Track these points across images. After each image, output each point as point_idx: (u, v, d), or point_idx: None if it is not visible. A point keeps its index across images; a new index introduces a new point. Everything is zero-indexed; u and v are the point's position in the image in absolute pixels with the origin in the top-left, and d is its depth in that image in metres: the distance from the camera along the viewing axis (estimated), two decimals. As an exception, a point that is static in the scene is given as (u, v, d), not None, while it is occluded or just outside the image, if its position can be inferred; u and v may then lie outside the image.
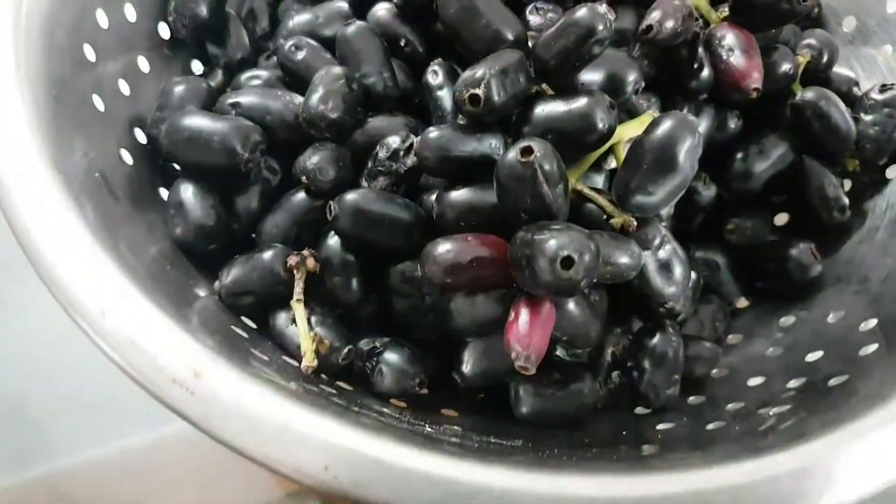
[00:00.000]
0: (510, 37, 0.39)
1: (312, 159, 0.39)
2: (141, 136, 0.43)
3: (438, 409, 0.40)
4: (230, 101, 0.42)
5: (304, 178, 0.39)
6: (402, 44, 0.47)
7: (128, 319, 0.29)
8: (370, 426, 0.30)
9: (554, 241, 0.31)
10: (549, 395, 0.40)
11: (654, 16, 0.41)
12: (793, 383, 0.38)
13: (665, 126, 0.35)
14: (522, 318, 0.34)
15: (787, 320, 0.45)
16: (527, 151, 0.33)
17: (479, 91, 0.36)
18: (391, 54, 0.47)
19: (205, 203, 0.40)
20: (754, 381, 0.41)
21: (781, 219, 0.50)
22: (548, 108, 0.37)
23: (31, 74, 0.35)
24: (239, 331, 0.37)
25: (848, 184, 0.48)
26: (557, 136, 0.37)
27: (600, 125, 0.36)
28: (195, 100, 0.43)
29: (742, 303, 0.48)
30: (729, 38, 0.41)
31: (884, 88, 0.45)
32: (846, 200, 0.46)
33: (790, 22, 0.43)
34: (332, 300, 0.40)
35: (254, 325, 0.40)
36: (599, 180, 0.43)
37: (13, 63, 0.35)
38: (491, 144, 0.37)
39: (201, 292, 0.38)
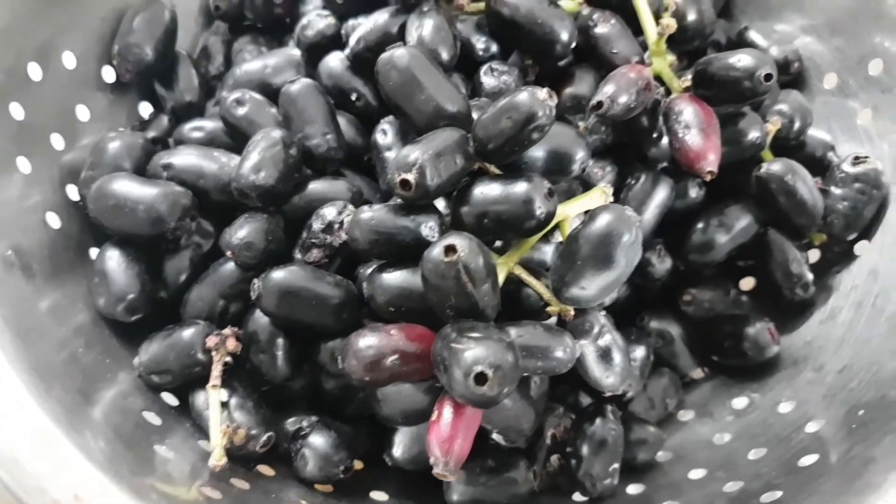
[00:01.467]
0: (451, 111, 0.37)
1: (238, 234, 0.38)
2: (74, 194, 0.42)
3: (367, 493, 0.39)
4: (163, 161, 0.41)
5: (229, 253, 0.38)
6: (354, 98, 0.45)
7: (14, 434, 0.28)
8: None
9: (469, 354, 0.29)
10: (482, 484, 0.38)
11: (606, 90, 0.38)
12: (729, 487, 0.36)
13: (602, 221, 0.34)
14: (445, 418, 0.32)
15: (740, 402, 0.43)
16: (451, 250, 0.31)
17: (411, 177, 0.34)
18: (343, 108, 0.45)
19: (130, 272, 0.39)
20: (695, 474, 0.39)
21: (748, 283, 0.48)
22: (485, 191, 0.35)
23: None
24: (152, 417, 0.36)
25: (816, 254, 0.46)
26: (494, 221, 0.35)
27: (538, 212, 0.34)
28: (129, 157, 0.42)
29: (698, 374, 0.46)
30: (687, 114, 0.39)
31: (857, 161, 0.43)
32: (810, 277, 0.44)
33: (753, 100, 0.40)
34: (258, 377, 0.39)
35: (175, 402, 0.39)
36: (549, 251, 0.41)
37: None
38: (426, 227, 0.36)
39: (121, 370, 0.37)
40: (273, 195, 0.39)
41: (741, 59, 0.38)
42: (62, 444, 0.28)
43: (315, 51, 0.47)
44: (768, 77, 0.38)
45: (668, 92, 0.42)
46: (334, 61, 0.45)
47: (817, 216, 0.43)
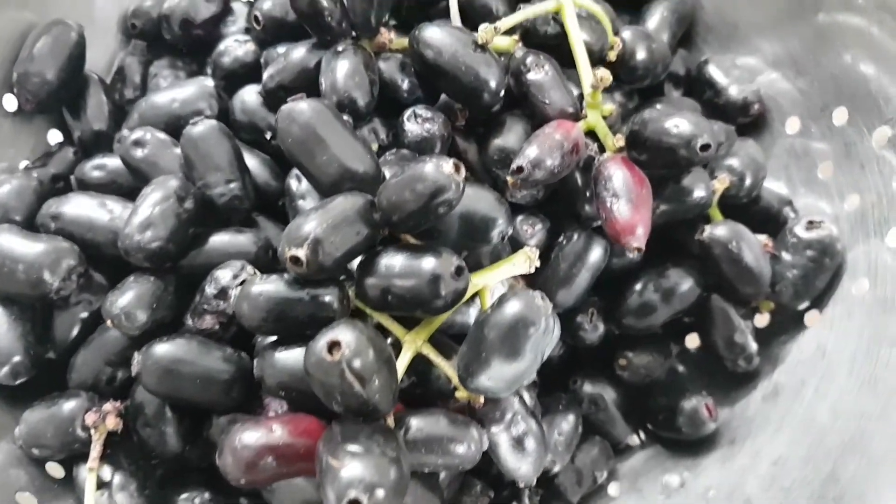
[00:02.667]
0: (357, 173, 0.34)
1: (119, 302, 0.34)
2: (-40, 239, 0.38)
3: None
4: (52, 211, 0.38)
5: (109, 322, 0.35)
6: (269, 136, 0.42)
7: None
8: None
9: (345, 474, 0.27)
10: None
11: (528, 153, 0.35)
12: None
13: (510, 310, 0.30)
14: (330, 522, 0.30)
15: (672, 480, 0.40)
16: (335, 346, 0.28)
17: (302, 253, 0.31)
18: (258, 146, 0.42)
19: (13, 333, 0.36)
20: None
21: (693, 340, 0.45)
22: (390, 265, 0.32)
23: None
24: (26, 498, 0.33)
25: (765, 318, 0.43)
26: (399, 298, 0.32)
27: (444, 293, 0.31)
28: (20, 203, 0.39)
29: (634, 440, 0.44)
30: (616, 181, 0.35)
31: (811, 225, 0.40)
32: (754, 348, 0.41)
33: (690, 167, 0.37)
34: (147, 451, 0.36)
35: (61, 474, 0.36)
36: (473, 313, 0.38)
37: None
38: (325, 301, 0.32)
39: (1, 440, 0.35)
40: (162, 256, 0.35)
41: (678, 125, 0.34)
42: None
43: (232, 79, 0.43)
44: (705, 147, 0.34)
45: (603, 148, 0.38)
46: (249, 95, 0.42)
47: (764, 285, 0.39)
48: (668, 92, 0.47)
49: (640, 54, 0.42)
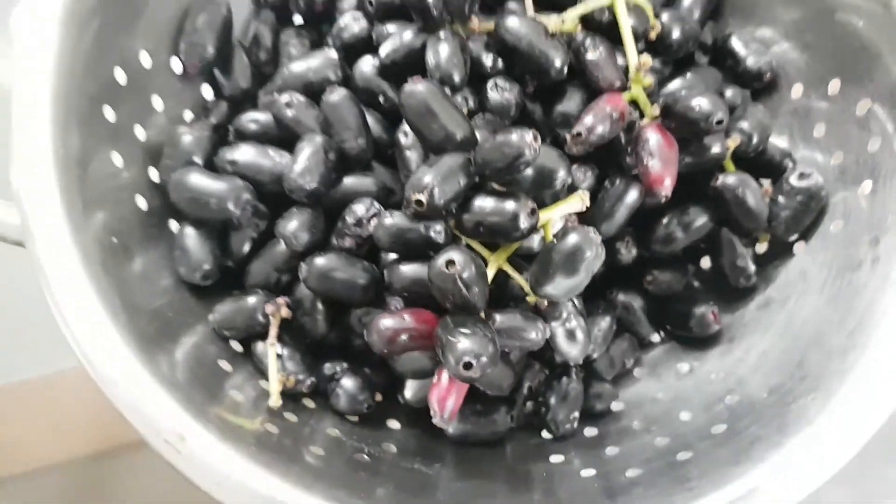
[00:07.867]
0: (458, 139, 0.46)
1: (289, 227, 0.48)
2: (155, 175, 0.52)
3: (384, 420, 0.51)
4: (228, 157, 0.50)
5: (283, 241, 0.48)
6: (381, 100, 0.53)
7: (133, 388, 0.39)
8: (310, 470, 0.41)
9: (459, 346, 0.40)
10: (472, 422, 0.50)
11: (585, 122, 0.47)
12: (659, 440, 0.48)
13: (571, 241, 0.43)
14: (443, 382, 0.44)
15: (683, 367, 0.54)
16: (451, 263, 0.41)
17: (423, 196, 0.43)
18: (372, 106, 0.54)
19: (204, 247, 0.50)
20: (638, 425, 0.51)
21: (705, 262, 0.58)
22: (482, 206, 0.44)
23: (60, 158, 0.43)
24: (224, 364, 0.48)
25: (763, 246, 0.55)
26: (488, 230, 0.45)
27: (522, 226, 0.44)
28: (199, 150, 0.51)
29: (656, 338, 0.57)
30: (652, 143, 0.47)
31: (802, 176, 0.51)
32: (753, 269, 0.53)
33: (709, 134, 0.48)
34: (303, 333, 0.50)
35: (240, 349, 0.50)
36: (536, 238, 0.50)
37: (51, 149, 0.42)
38: (435, 230, 0.45)
39: (198, 324, 0.49)
40: (317, 195, 0.48)
41: (700, 104, 0.46)
42: (165, 396, 0.40)
43: (350, 50, 0.55)
44: (720, 122, 0.46)
45: (642, 114, 0.50)
46: (367, 66, 0.53)
47: (762, 222, 0.51)
48: (698, 59, 0.58)
49: (675, 34, 0.53)
